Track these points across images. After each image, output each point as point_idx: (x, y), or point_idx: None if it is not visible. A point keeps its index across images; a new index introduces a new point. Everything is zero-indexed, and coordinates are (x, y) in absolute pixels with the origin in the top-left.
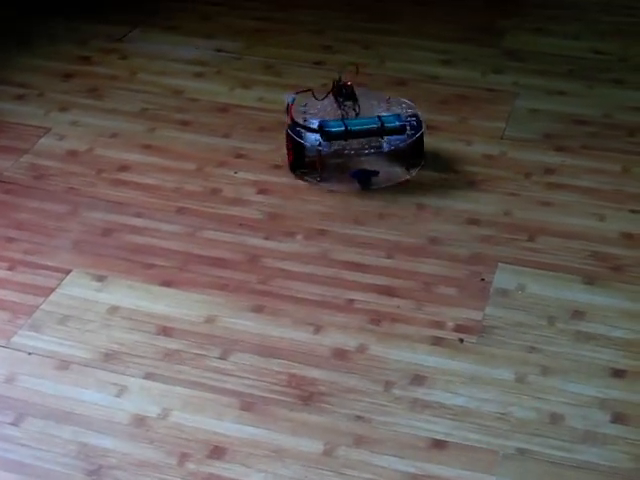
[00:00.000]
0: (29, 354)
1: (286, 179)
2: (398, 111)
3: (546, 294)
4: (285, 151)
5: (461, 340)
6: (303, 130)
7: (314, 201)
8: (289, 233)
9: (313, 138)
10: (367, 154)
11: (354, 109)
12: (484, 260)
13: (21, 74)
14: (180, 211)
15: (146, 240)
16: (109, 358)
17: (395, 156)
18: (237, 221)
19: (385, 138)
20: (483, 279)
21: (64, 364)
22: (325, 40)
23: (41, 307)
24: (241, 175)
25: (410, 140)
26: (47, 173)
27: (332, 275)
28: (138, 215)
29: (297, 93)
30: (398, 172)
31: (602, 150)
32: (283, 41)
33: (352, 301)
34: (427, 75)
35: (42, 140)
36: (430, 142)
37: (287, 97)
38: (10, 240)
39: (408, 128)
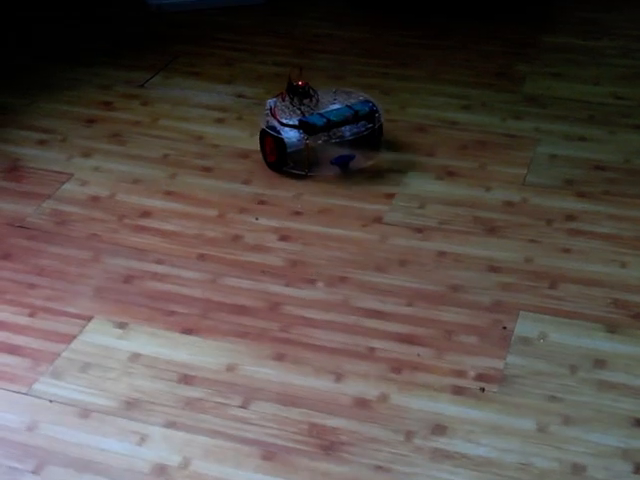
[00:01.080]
0: (50, 402)
1: (307, 225)
2: (345, 100)
3: (567, 342)
4: (307, 197)
5: (482, 389)
6: (285, 128)
7: (335, 247)
8: (310, 280)
9: (292, 135)
10: (333, 143)
11: (310, 105)
12: (505, 308)
13: (44, 119)
14: (201, 258)
15: (167, 287)
16: (130, 406)
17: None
18: (258, 268)
19: (346, 127)
20: (504, 327)
21: (85, 412)
22: (345, 86)
23: (62, 354)
24: (262, 221)
25: (370, 127)
26: (69, 219)
27: (353, 323)
28: (159, 262)
29: (275, 97)
30: (367, 155)
31: (623, 196)
32: None
33: (373, 349)
34: (447, 121)
35: (64, 186)
36: (450, 188)
37: (269, 102)
38: (32, 286)
39: (376, 113)
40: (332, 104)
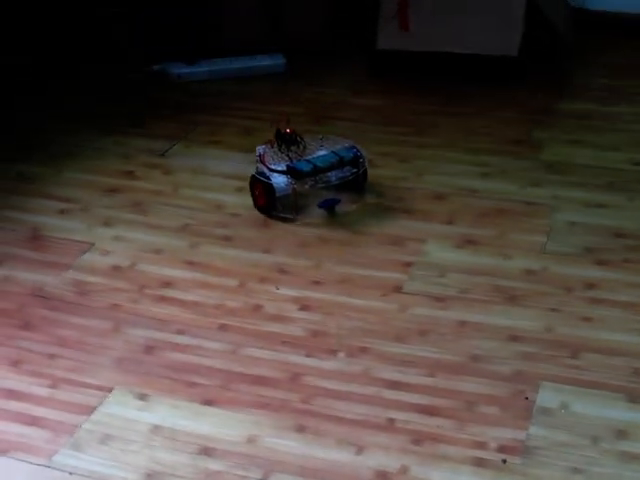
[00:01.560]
0: (70, 474)
1: (328, 295)
2: (331, 147)
3: (589, 413)
4: (327, 267)
5: (504, 461)
6: (275, 174)
7: (355, 317)
8: (331, 350)
9: (280, 180)
10: (320, 188)
11: (298, 152)
12: (526, 378)
13: (65, 188)
14: (222, 328)
15: (188, 358)
16: (150, 479)
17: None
18: (279, 338)
19: (332, 172)
20: (526, 397)
21: None
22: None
23: (83, 426)
24: (283, 291)
25: (355, 172)
26: (90, 289)
27: (373, 394)
28: (180, 332)
29: (264, 144)
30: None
31: None
32: None
33: (393, 420)
34: (465, 188)
35: (85, 255)
36: (470, 256)
37: (258, 149)
38: (53, 357)
39: (360, 159)
40: (319, 150)
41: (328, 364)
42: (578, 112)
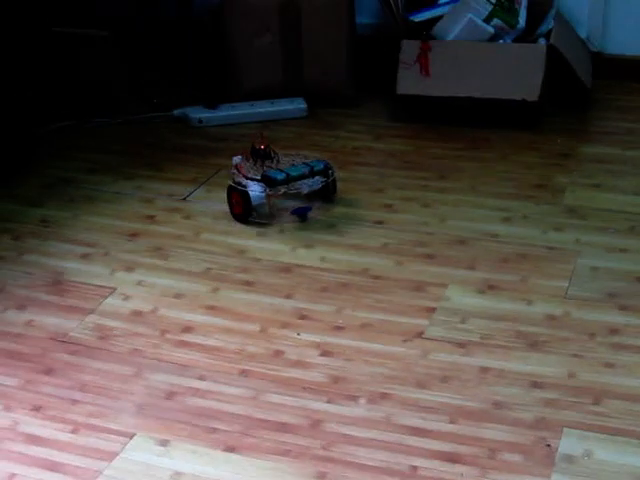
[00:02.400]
0: None
1: (349, 341)
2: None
3: (613, 460)
4: (348, 312)
5: None
6: (250, 183)
7: (377, 363)
8: (352, 397)
9: (256, 189)
10: (292, 195)
11: (272, 166)
12: (549, 425)
13: (87, 233)
14: (243, 373)
15: (209, 403)
16: None
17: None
18: (300, 384)
19: (303, 182)
20: (548, 445)
21: None
22: (385, 199)
23: (104, 472)
24: (304, 337)
25: (324, 182)
26: (112, 334)
27: (395, 441)
28: (201, 378)
29: (240, 155)
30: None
31: None
32: (343, 200)
33: (415, 468)
34: (487, 233)
35: (107, 300)
36: (492, 302)
37: (234, 159)
38: (74, 402)
39: (329, 169)
40: (291, 164)
41: (349, 410)
42: (598, 156)
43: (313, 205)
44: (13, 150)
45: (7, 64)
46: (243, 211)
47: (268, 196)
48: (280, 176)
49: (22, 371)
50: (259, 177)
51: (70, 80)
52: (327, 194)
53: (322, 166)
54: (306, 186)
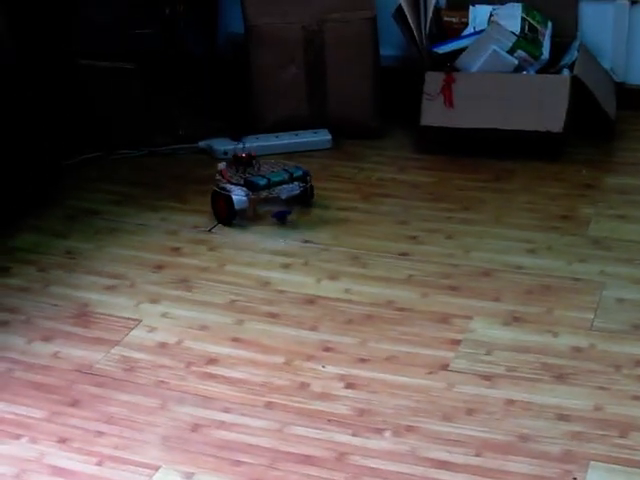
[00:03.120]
0: None
1: (374, 373)
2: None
3: None
4: (373, 344)
5: None
6: (233, 189)
7: (402, 395)
8: (377, 429)
9: (239, 193)
10: (273, 199)
11: (252, 173)
12: (575, 458)
13: (112, 265)
14: (268, 406)
15: (234, 436)
16: None
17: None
18: (325, 416)
19: (283, 187)
20: (575, 478)
21: None
22: (409, 230)
23: None
24: (329, 369)
25: (303, 187)
26: (137, 366)
27: (421, 474)
28: (226, 410)
29: (225, 162)
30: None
31: None
32: (368, 232)
33: None
34: (511, 265)
35: (133, 332)
36: (517, 334)
37: (219, 165)
38: (100, 434)
39: (307, 176)
40: (271, 171)
41: (374, 443)
42: (623, 187)
43: (292, 209)
44: (39, 181)
45: (34, 96)
46: (227, 215)
47: (251, 200)
48: (262, 181)
49: (48, 403)
50: (242, 182)
51: (96, 112)
52: (305, 199)
53: (301, 173)
54: (285, 191)
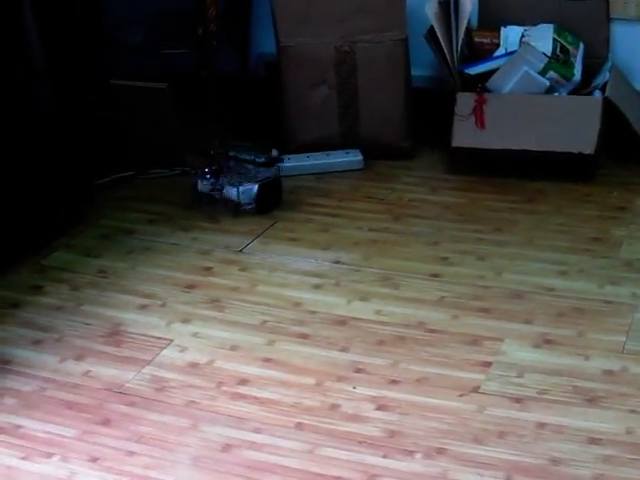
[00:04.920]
0: None
1: (405, 395)
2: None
3: None
4: (404, 366)
5: None
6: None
7: (432, 417)
8: (408, 451)
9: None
10: None
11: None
12: None
13: (144, 284)
14: (299, 427)
15: (265, 457)
16: None
17: None
18: (356, 438)
19: None
20: None
21: None
22: (441, 252)
23: None
24: (360, 390)
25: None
26: (168, 385)
27: None
28: (257, 431)
29: None
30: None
31: None
32: (399, 252)
33: None
34: (543, 287)
35: (164, 351)
36: (548, 356)
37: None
38: (130, 454)
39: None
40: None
41: (405, 465)
42: None
43: None
44: (72, 200)
45: (67, 116)
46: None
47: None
48: None
49: (79, 422)
50: None
51: (128, 132)
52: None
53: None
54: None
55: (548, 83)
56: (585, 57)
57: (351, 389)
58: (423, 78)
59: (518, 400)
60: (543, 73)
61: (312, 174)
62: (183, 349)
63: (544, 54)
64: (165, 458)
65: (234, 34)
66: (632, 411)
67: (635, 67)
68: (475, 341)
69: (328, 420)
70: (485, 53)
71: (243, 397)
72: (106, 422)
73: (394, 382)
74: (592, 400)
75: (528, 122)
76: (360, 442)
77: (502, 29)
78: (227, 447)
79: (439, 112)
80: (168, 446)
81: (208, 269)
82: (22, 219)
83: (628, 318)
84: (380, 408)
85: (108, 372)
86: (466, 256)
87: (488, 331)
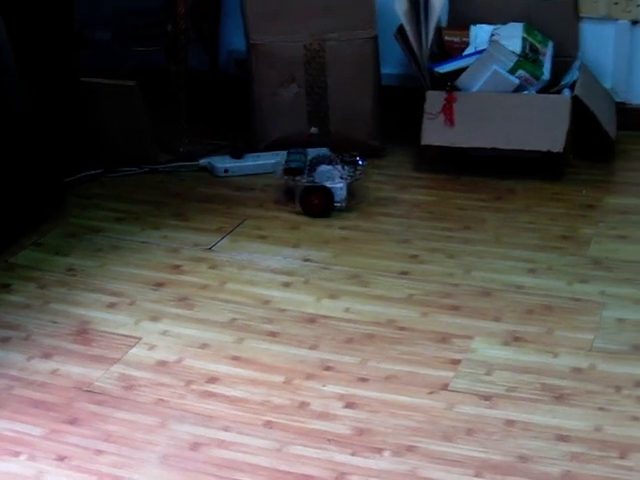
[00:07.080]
0: None
1: (374, 392)
2: None
3: None
4: (373, 364)
5: None
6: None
7: (401, 415)
8: (377, 449)
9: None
10: None
11: None
12: (575, 478)
13: (112, 282)
14: (268, 425)
15: (234, 455)
16: None
17: None
18: (325, 436)
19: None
20: None
21: None
22: (410, 249)
23: None
24: (328, 388)
25: None
26: (137, 384)
27: None
28: (226, 429)
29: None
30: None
31: None
32: (369, 250)
33: None
34: (512, 285)
35: (132, 350)
36: (517, 354)
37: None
38: (99, 452)
39: None
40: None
41: (374, 463)
42: (623, 207)
43: None
44: (40, 198)
45: (35, 113)
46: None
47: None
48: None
49: (47, 420)
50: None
51: (97, 129)
52: None
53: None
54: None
55: (517, 82)
56: (554, 56)
57: (320, 387)
58: (393, 76)
59: (487, 397)
60: (512, 72)
61: None
62: (152, 347)
63: (513, 53)
64: (133, 457)
65: (204, 31)
66: (600, 408)
67: (604, 65)
68: (444, 339)
69: (297, 418)
70: (455, 51)
71: (212, 395)
72: (74, 421)
73: (363, 380)
74: (560, 397)
75: (497, 120)
76: (329, 440)
77: (472, 27)
78: (196, 445)
79: (409, 110)
80: (136, 444)
81: (177, 267)
82: None
83: (596, 316)
84: (349, 406)
85: (76, 370)
86: (436, 254)
87: (457, 329)
